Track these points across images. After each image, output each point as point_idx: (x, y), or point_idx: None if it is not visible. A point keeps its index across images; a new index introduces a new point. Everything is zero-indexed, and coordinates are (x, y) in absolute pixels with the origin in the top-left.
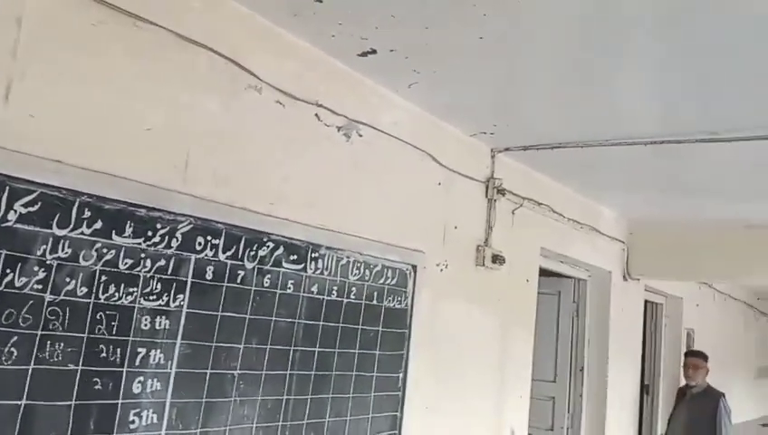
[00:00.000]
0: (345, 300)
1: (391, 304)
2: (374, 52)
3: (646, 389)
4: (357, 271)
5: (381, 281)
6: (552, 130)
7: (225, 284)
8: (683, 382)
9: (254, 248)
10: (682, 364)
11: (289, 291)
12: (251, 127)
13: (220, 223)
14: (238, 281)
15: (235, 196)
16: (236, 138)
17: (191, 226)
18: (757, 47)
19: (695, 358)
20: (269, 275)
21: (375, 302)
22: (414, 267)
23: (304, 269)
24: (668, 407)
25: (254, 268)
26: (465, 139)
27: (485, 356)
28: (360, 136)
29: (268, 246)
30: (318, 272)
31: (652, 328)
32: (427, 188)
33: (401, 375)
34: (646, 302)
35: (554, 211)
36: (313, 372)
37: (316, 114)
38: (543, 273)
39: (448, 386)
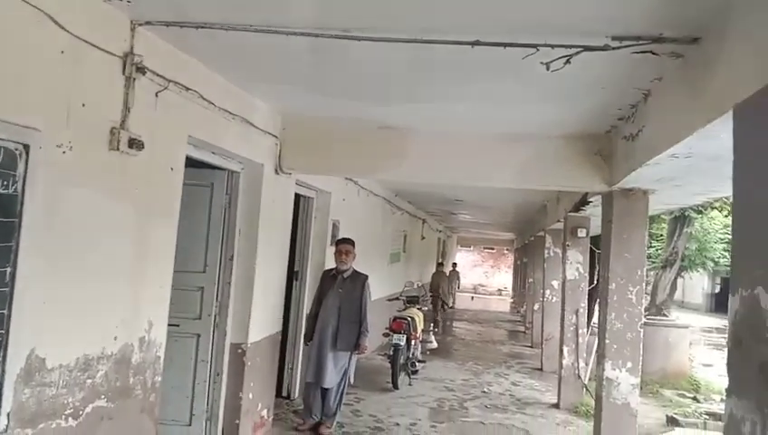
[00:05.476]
0: None
1: None
2: None
3: (295, 275)
4: None
5: None
6: (197, 7)
7: None
8: (328, 266)
9: None
10: (335, 250)
11: None
12: None
13: None
14: None
15: None
16: None
17: None
18: None
19: (347, 244)
20: None
21: None
22: (26, 147)
23: None
24: (315, 289)
25: None
26: (97, 3)
27: (119, 247)
28: None
29: None
30: None
31: (303, 219)
32: (45, 56)
33: (9, 270)
34: (298, 195)
35: (204, 99)
36: None
37: None
38: (196, 164)
39: (74, 279)
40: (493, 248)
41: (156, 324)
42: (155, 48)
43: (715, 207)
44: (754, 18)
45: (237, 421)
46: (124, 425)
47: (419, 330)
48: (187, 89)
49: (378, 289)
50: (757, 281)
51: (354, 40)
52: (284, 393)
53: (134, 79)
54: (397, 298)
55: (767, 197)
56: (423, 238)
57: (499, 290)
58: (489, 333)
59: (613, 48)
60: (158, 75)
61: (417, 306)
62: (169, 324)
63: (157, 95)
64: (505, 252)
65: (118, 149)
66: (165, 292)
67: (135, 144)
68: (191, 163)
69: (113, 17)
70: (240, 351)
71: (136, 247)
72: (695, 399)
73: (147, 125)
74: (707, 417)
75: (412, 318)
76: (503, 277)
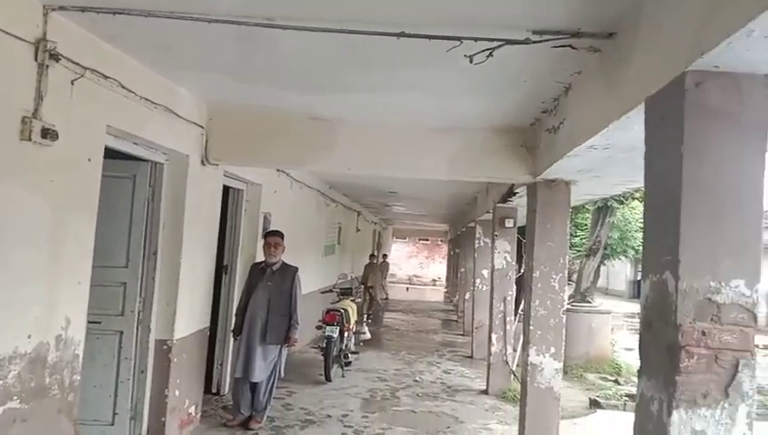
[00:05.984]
0: None
1: None
2: None
3: (225, 269)
4: None
5: None
6: None
7: None
8: (258, 259)
9: None
10: (263, 243)
11: None
12: None
13: None
14: None
15: None
16: None
17: None
18: None
19: (275, 237)
20: None
21: None
22: None
23: None
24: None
25: None
26: None
27: (33, 242)
28: None
29: None
30: None
31: (233, 212)
32: None
33: None
34: (227, 187)
35: (124, 87)
36: None
37: None
38: (117, 155)
39: None
40: (428, 240)
41: (74, 322)
42: (70, 34)
43: (636, 198)
44: (663, 14)
45: (163, 419)
46: (40, 426)
47: (353, 321)
48: (106, 77)
49: (312, 281)
50: (665, 266)
51: (279, 29)
52: (214, 389)
53: (47, 66)
54: (330, 290)
55: (674, 186)
56: (358, 230)
57: (434, 280)
58: (423, 323)
59: (534, 42)
60: (73, 62)
61: (351, 298)
62: (90, 322)
63: (72, 83)
64: (440, 243)
65: (30, 139)
66: (83, 288)
67: (49, 134)
68: (112, 154)
69: (24, 1)
70: (165, 347)
71: (51, 242)
72: (616, 382)
73: (62, 114)
74: (627, 399)
75: (345, 310)
76: (437, 268)
